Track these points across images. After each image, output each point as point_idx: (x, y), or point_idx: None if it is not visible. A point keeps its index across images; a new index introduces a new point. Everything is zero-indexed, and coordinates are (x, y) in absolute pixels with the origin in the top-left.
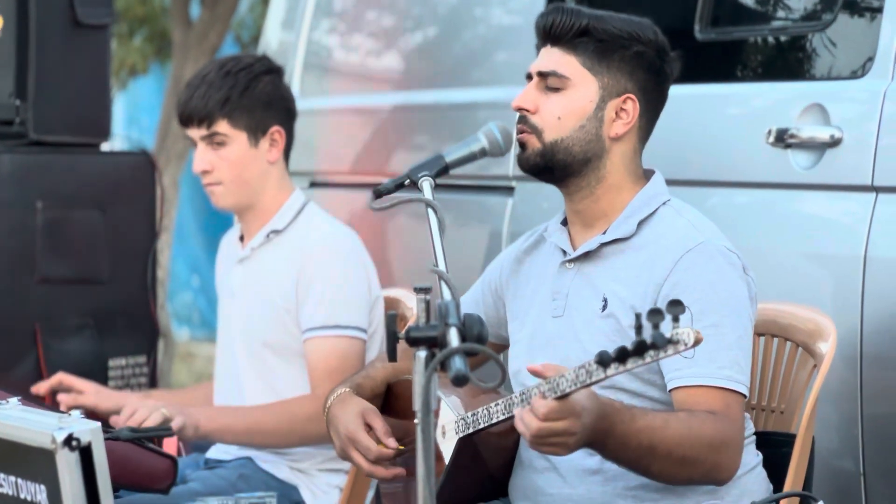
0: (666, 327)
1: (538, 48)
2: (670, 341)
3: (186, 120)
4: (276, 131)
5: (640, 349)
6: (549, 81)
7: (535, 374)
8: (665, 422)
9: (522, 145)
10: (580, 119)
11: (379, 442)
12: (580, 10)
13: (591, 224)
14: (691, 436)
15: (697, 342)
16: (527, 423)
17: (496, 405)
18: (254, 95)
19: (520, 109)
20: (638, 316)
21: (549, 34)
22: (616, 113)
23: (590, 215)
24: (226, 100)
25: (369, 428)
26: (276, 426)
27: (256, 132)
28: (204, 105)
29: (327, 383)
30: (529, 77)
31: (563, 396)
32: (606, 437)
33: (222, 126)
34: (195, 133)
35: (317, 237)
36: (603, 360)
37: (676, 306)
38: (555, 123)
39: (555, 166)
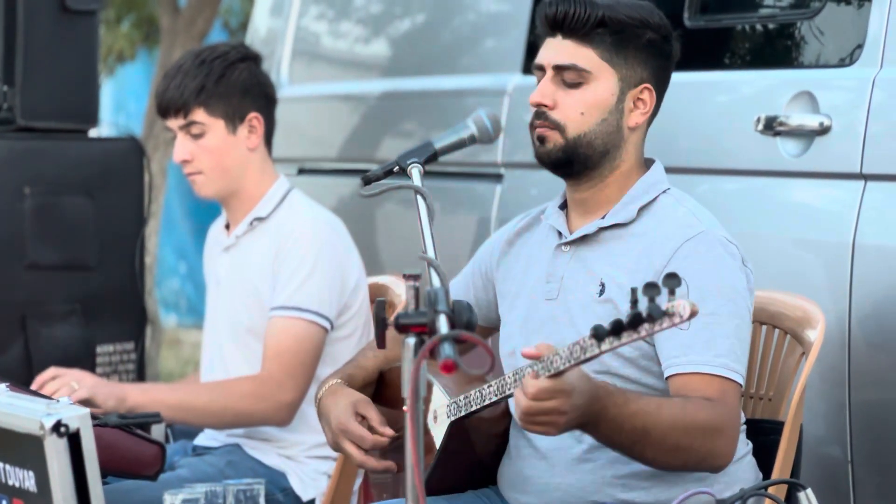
0: (662, 301)
1: (543, 38)
2: (666, 313)
3: (164, 110)
4: (255, 118)
5: (636, 322)
6: (567, 76)
7: (530, 357)
8: (659, 406)
9: (542, 140)
10: (603, 113)
11: (374, 432)
12: (594, 2)
13: (593, 210)
14: (686, 420)
15: (693, 314)
16: (517, 401)
17: (489, 387)
18: (229, 83)
19: (539, 105)
20: (634, 290)
21: (563, 26)
22: (634, 103)
23: (593, 203)
24: (201, 88)
25: (362, 418)
26: (209, 402)
27: (234, 119)
28: (180, 95)
29: (274, 363)
30: (540, 69)
31: (555, 375)
32: (599, 420)
33: (199, 115)
34: (173, 123)
35: (294, 222)
36: (598, 334)
37: (673, 279)
38: (578, 119)
39: (576, 160)
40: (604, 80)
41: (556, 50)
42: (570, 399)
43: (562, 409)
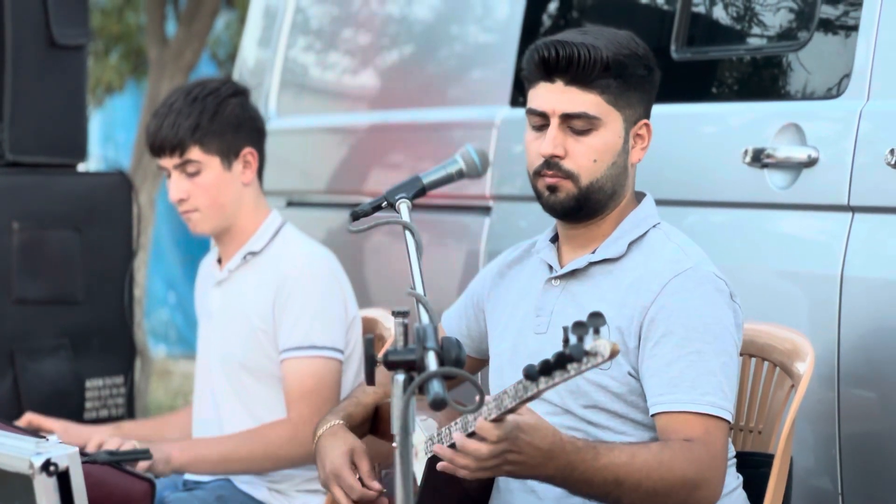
0: (588, 340)
1: (534, 80)
2: (587, 353)
3: (158, 150)
4: (249, 153)
5: (562, 361)
6: (576, 123)
7: None
8: (632, 456)
9: (553, 189)
10: (613, 157)
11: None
12: (594, 45)
13: (585, 244)
14: (661, 469)
15: (614, 354)
16: (460, 443)
17: (455, 424)
18: (223, 119)
19: (553, 157)
20: (565, 329)
21: (566, 72)
22: (634, 139)
23: (586, 237)
24: (196, 126)
25: (355, 467)
26: (249, 453)
27: (229, 155)
28: (174, 134)
29: (302, 405)
30: (540, 115)
31: (498, 419)
32: (567, 475)
33: (195, 153)
34: (168, 162)
35: (293, 258)
36: (530, 374)
37: (596, 318)
38: (591, 166)
39: (587, 206)
40: (612, 124)
41: (560, 97)
42: (516, 443)
43: (512, 450)
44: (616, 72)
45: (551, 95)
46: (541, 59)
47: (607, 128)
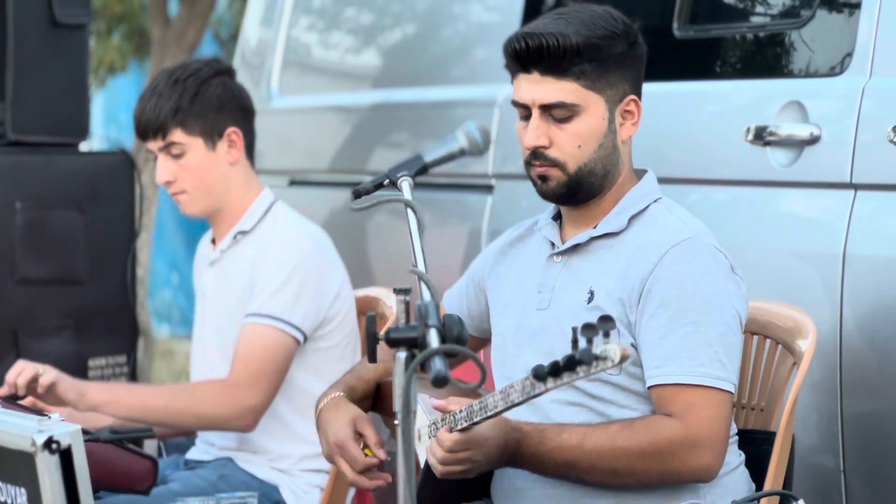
0: (599, 342)
1: (513, 72)
2: (597, 357)
3: (143, 133)
4: (233, 132)
5: (571, 364)
6: (556, 112)
7: (440, 409)
8: (582, 438)
9: (544, 178)
10: (598, 139)
11: (367, 450)
12: (563, 33)
13: (586, 221)
14: (615, 449)
15: (624, 359)
16: (433, 452)
17: (460, 412)
18: (204, 100)
19: (537, 148)
20: (574, 330)
21: (538, 63)
22: (622, 116)
23: (587, 215)
24: (176, 108)
25: (359, 436)
26: (170, 402)
27: (212, 136)
28: (156, 117)
29: (241, 367)
30: (522, 107)
31: (467, 428)
32: (519, 460)
33: (177, 135)
34: (153, 145)
35: (275, 234)
36: (539, 375)
37: (606, 322)
38: (576, 152)
39: (580, 190)
40: (593, 108)
41: (537, 88)
42: (482, 448)
43: (473, 459)
44: (590, 56)
45: (529, 87)
46: (513, 52)
47: (588, 112)
